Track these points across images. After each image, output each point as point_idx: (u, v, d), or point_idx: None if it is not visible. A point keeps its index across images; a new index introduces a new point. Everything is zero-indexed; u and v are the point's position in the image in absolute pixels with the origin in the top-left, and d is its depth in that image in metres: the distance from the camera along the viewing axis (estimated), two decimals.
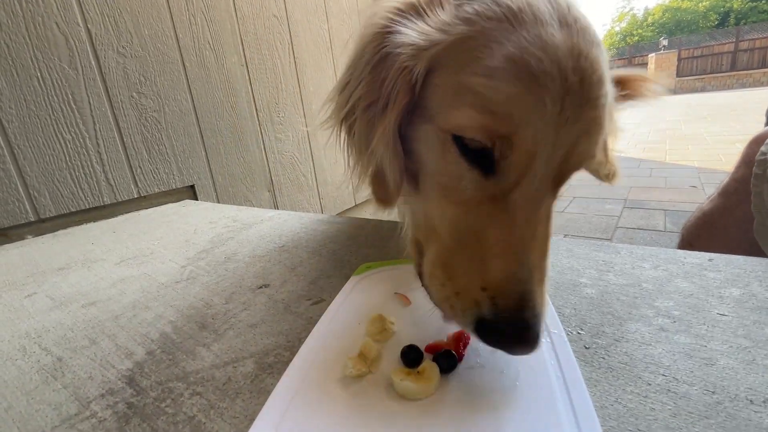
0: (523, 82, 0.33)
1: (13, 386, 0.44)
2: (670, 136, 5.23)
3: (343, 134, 0.49)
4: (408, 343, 0.38)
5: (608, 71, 0.37)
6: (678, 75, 15.75)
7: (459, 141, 0.37)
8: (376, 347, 0.39)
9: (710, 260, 0.56)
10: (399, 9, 0.41)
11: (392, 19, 0.40)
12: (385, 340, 0.42)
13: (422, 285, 0.42)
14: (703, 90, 15.05)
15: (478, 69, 0.35)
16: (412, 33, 0.39)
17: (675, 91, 14.92)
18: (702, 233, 0.97)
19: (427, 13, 0.40)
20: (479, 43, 0.36)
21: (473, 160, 0.37)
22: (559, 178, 0.37)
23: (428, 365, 0.36)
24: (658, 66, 14.78)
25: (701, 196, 2.54)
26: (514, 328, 0.32)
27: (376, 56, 0.40)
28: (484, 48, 0.35)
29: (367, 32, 0.42)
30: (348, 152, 0.50)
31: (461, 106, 0.36)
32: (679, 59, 16.90)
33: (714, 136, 4.82)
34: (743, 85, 14.54)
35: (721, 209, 0.93)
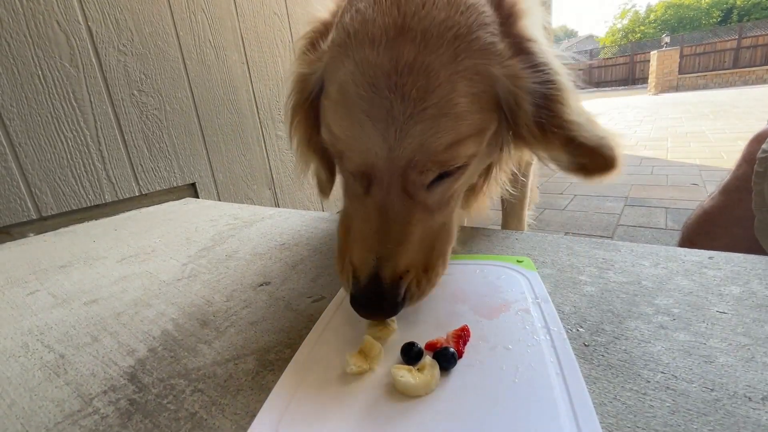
0: (349, 108, 0.40)
1: (16, 383, 0.44)
2: (672, 134, 5.21)
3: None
4: (408, 341, 0.39)
5: (447, 72, 0.39)
6: (680, 72, 15.67)
7: None
8: (377, 345, 0.39)
9: (710, 258, 0.56)
10: (306, 42, 0.50)
11: (311, 39, 0.50)
12: (386, 338, 0.42)
13: None
14: (705, 87, 14.98)
15: (328, 94, 0.44)
16: (302, 63, 0.50)
17: (677, 89, 14.86)
18: (703, 231, 0.97)
19: (318, 44, 0.48)
20: (331, 69, 0.44)
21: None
22: (409, 185, 0.42)
23: (428, 362, 0.36)
24: (660, 63, 14.72)
25: (703, 194, 2.54)
26: (365, 299, 0.40)
27: (289, 82, 0.53)
28: (332, 75, 0.43)
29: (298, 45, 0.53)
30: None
31: (323, 122, 0.46)
32: (682, 56, 16.81)
33: (716, 134, 4.80)
34: (746, 83, 14.47)
35: (722, 207, 0.93)
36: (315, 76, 0.48)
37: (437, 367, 0.35)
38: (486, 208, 0.63)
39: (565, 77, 0.44)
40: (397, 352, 0.39)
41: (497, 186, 0.60)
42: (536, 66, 0.43)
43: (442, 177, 0.43)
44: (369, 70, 0.39)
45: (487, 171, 0.56)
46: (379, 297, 0.40)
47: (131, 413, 0.37)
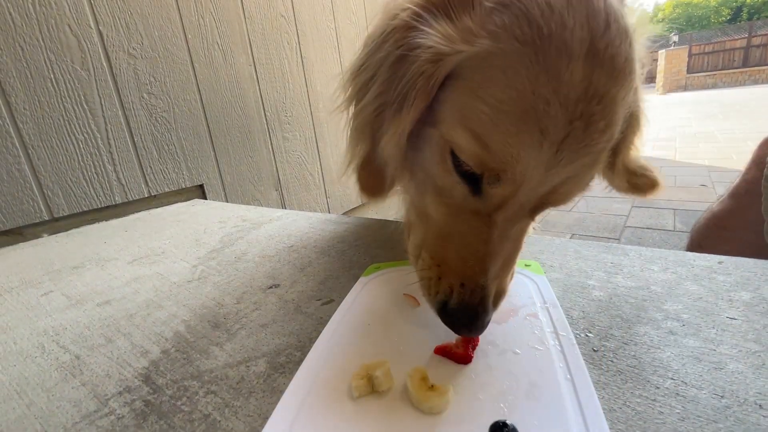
0: (526, 125, 0.33)
1: (34, 383, 0.45)
2: (681, 134, 5.16)
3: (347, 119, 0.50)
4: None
5: (623, 106, 0.36)
6: (689, 71, 15.51)
7: (455, 156, 0.39)
8: (384, 365, 0.37)
9: (720, 263, 0.56)
10: (425, 4, 0.39)
11: (417, 15, 0.38)
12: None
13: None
14: (714, 87, 14.81)
15: (488, 95, 0.35)
16: (435, 36, 0.37)
17: (685, 88, 14.70)
18: (712, 235, 0.96)
19: (455, 14, 0.37)
20: (497, 64, 0.34)
21: (464, 177, 0.39)
22: (538, 208, 0.40)
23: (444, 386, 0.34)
24: (668, 62, 14.57)
25: (711, 195, 2.51)
26: (469, 318, 0.38)
27: (396, 53, 0.39)
28: (500, 73, 0.34)
29: (389, 24, 0.41)
30: (347, 138, 0.51)
31: (464, 127, 0.36)
32: (690, 55, 16.64)
33: (725, 134, 4.74)
34: (756, 82, 14.29)
35: (731, 211, 0.92)
36: (453, 58, 0.36)
37: (450, 389, 0.34)
38: None
39: (645, 110, 0.45)
40: (406, 361, 0.39)
41: None
42: (637, 100, 0.43)
43: None
44: (563, 88, 0.33)
45: None
46: (483, 314, 0.38)
47: (146, 414, 0.38)
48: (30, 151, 1.07)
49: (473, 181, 0.39)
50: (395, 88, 0.39)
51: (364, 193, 0.50)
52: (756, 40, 17.16)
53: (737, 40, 17.72)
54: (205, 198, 1.48)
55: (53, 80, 1.10)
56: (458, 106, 0.37)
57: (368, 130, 0.44)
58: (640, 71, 0.39)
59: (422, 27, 0.38)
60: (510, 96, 0.34)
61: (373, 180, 0.48)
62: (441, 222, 0.43)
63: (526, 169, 0.35)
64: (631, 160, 0.49)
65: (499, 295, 0.41)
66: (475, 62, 0.36)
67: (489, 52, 0.35)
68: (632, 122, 0.44)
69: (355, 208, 2.23)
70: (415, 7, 0.39)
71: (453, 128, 0.38)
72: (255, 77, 1.64)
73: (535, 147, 0.34)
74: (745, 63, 16.91)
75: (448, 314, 0.39)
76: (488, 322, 0.39)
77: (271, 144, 1.73)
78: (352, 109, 0.49)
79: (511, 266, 0.42)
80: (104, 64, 1.19)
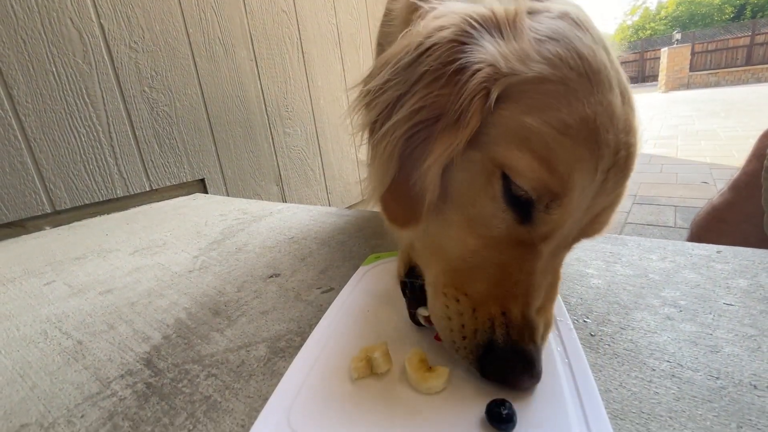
0: (590, 148, 0.34)
1: (37, 367, 0.45)
2: (683, 132, 5.15)
3: (365, 139, 0.45)
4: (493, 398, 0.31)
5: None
6: (691, 69, 15.44)
7: (506, 180, 0.36)
8: (383, 347, 0.37)
9: (718, 252, 0.56)
10: (475, 20, 0.37)
11: (466, 31, 0.37)
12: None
13: (406, 299, 0.44)
14: (717, 85, 14.76)
15: (552, 119, 0.34)
16: (495, 52, 0.35)
17: (688, 87, 14.65)
18: (712, 227, 0.96)
19: (506, 35, 0.37)
20: (558, 90, 0.34)
21: (512, 203, 0.36)
22: (576, 239, 0.39)
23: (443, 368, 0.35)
24: (670, 60, 14.51)
25: (713, 193, 2.51)
26: (520, 358, 0.33)
27: (445, 68, 0.36)
28: (563, 98, 0.34)
29: (430, 39, 0.37)
30: (368, 161, 0.45)
31: (523, 149, 0.35)
32: (693, 53, 16.57)
33: (727, 132, 4.73)
34: (759, 80, 14.22)
35: (731, 203, 0.92)
36: (509, 79, 0.35)
37: (448, 371, 0.34)
38: None
39: None
40: (405, 346, 0.40)
41: None
42: None
43: None
44: (615, 118, 0.34)
45: None
46: (536, 355, 0.34)
47: (148, 396, 0.39)
48: (32, 144, 1.08)
49: (521, 207, 0.36)
50: (442, 105, 0.36)
51: (394, 224, 0.43)
52: (759, 39, 17.08)
53: (740, 38, 17.64)
54: (207, 192, 1.49)
55: (55, 73, 1.10)
56: (515, 129, 0.35)
57: (397, 152, 0.39)
58: None
59: (475, 43, 0.36)
60: (576, 121, 0.33)
61: (403, 208, 0.41)
62: (469, 256, 0.38)
63: (583, 195, 0.35)
64: None
65: (547, 328, 0.37)
66: (530, 86, 0.35)
67: (545, 78, 0.34)
68: None
69: (356, 203, 2.23)
70: (463, 23, 0.37)
71: (509, 150, 0.35)
72: (256, 72, 1.64)
73: (591, 172, 0.34)
74: (748, 61, 16.84)
75: (494, 359, 0.33)
76: (540, 367, 0.33)
77: (272, 139, 1.73)
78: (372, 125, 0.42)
79: (554, 299, 0.39)
80: (106, 57, 1.19)
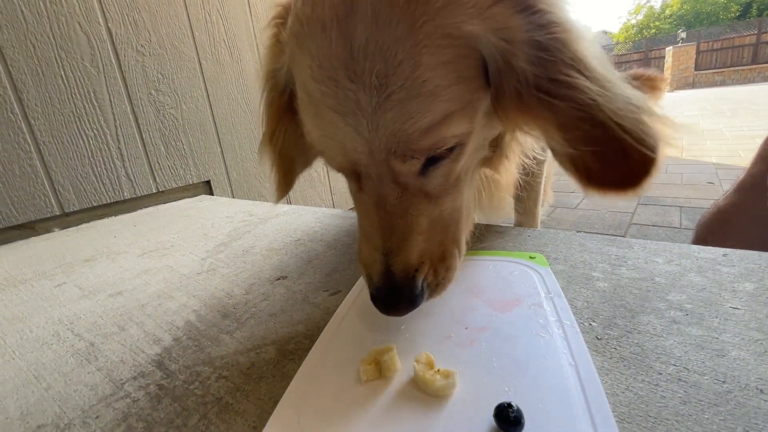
0: (313, 105, 0.38)
1: (51, 368, 0.46)
2: (687, 131, 5.11)
3: None
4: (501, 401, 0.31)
5: (406, 47, 0.33)
6: (696, 68, 15.33)
7: None
8: (391, 350, 0.38)
9: (724, 255, 0.56)
10: (271, 25, 0.46)
11: (268, 38, 0.47)
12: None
13: None
14: (722, 84, 14.65)
15: (298, 82, 0.41)
16: (271, 56, 0.47)
17: (693, 86, 14.55)
18: (717, 229, 0.96)
19: (282, 30, 0.44)
20: (292, 63, 0.41)
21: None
22: (399, 176, 0.38)
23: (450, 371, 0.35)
24: (675, 59, 14.42)
25: (719, 193, 2.49)
26: (382, 296, 0.39)
27: (260, 73, 0.52)
28: (295, 69, 0.41)
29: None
30: None
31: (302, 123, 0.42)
32: (698, 52, 16.44)
33: (733, 132, 4.70)
34: (765, 79, 14.11)
35: (736, 205, 0.92)
36: (283, 70, 0.45)
37: (456, 373, 0.35)
38: (510, 188, 0.59)
39: (573, 19, 0.35)
40: (413, 349, 0.40)
41: (520, 155, 0.54)
42: (531, 8, 0.34)
43: (435, 161, 0.39)
44: (325, 62, 0.35)
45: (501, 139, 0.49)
46: (395, 292, 0.38)
47: (161, 397, 0.39)
48: (42, 148, 1.09)
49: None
50: (261, 106, 0.54)
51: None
52: (765, 37, 16.91)
53: (746, 36, 17.48)
54: (212, 194, 1.50)
55: (63, 77, 1.11)
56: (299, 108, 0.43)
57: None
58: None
59: (268, 52, 0.49)
60: (301, 87, 0.40)
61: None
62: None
63: (342, 140, 0.37)
64: (588, 97, 0.33)
65: (432, 273, 0.41)
66: (292, 69, 0.43)
67: (291, 57, 0.42)
68: (551, 36, 0.34)
69: None
70: (268, 36, 0.48)
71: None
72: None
73: (334, 120, 0.36)
74: (754, 60, 16.69)
75: (373, 301, 0.40)
76: (408, 299, 0.38)
77: None
78: None
79: (426, 243, 0.40)
80: (113, 61, 1.20)
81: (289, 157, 0.56)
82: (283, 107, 0.49)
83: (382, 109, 0.34)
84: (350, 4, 0.34)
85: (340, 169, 0.42)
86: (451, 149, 0.38)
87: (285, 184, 0.58)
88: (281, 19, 0.44)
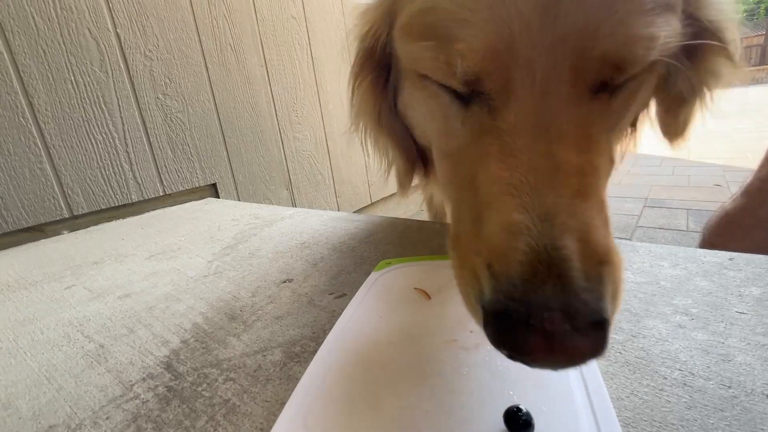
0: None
1: (62, 369, 0.47)
2: (694, 133, 5.07)
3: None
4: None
5: None
6: None
7: (427, 78, 0.32)
8: None
9: (731, 259, 0.56)
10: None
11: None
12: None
13: None
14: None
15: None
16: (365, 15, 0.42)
17: None
18: (724, 233, 0.95)
19: None
20: None
21: (451, 93, 0.30)
22: (586, 83, 0.25)
23: None
24: None
25: (726, 195, 2.47)
26: (520, 315, 0.20)
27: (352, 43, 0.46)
28: None
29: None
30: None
31: (411, 41, 0.32)
32: None
33: (741, 133, 4.65)
34: None
35: (743, 209, 0.92)
36: (380, 9, 0.39)
37: None
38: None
39: None
40: (419, 353, 0.40)
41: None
42: None
43: (625, 81, 0.27)
44: None
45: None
46: (570, 311, 0.21)
47: (169, 399, 0.40)
48: (52, 151, 1.11)
49: (462, 98, 0.30)
50: (352, 74, 0.51)
51: (403, 188, 0.52)
52: None
53: (754, 37, 17.31)
54: (218, 196, 1.51)
55: (73, 82, 1.13)
56: (403, 33, 0.35)
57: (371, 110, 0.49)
58: None
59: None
60: None
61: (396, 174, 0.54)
62: (454, 185, 0.31)
63: (502, 7, 0.24)
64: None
65: (589, 259, 0.22)
66: None
67: None
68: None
69: (365, 206, 2.24)
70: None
71: (407, 52, 0.35)
72: (266, 78, 1.66)
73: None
74: (763, 60, 16.52)
75: (491, 323, 0.23)
76: (588, 323, 0.22)
77: (282, 143, 1.75)
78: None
79: (585, 198, 0.24)
80: (122, 65, 1.22)
81: (404, 137, 0.45)
82: (378, 70, 0.41)
83: None
84: None
85: (469, 70, 0.26)
86: (643, 70, 0.27)
87: (410, 171, 0.48)
88: None
